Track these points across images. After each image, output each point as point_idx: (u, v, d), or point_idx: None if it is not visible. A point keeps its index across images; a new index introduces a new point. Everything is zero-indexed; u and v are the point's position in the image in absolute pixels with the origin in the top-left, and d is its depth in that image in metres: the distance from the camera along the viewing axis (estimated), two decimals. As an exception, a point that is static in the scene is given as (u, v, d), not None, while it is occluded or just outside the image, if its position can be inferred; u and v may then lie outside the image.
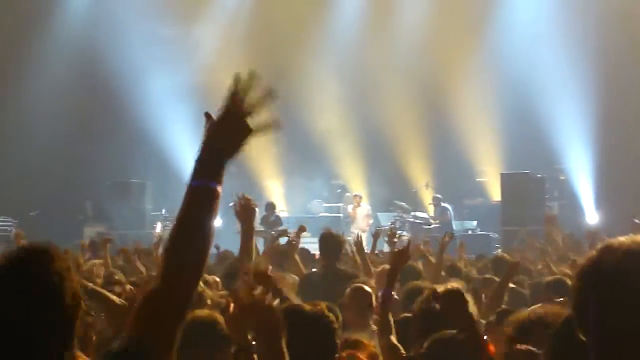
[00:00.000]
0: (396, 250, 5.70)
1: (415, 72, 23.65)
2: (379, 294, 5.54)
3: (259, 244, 16.17)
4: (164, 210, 23.44)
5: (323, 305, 3.61)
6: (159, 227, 22.87)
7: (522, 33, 23.55)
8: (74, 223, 23.70)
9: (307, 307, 3.55)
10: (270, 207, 21.71)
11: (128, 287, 6.68)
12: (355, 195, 23.20)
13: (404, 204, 22.48)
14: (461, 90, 23.62)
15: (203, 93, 24.87)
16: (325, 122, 24.41)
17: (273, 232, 19.70)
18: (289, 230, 17.89)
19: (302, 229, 10.99)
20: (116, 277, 7.89)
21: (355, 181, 25.11)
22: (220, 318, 3.89)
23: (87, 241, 16.15)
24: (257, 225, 21.34)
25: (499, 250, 17.26)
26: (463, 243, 13.21)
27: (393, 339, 5.04)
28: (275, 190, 25.33)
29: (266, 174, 25.24)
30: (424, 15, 24.20)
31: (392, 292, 5.43)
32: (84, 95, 23.82)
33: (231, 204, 7.08)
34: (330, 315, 3.53)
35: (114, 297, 5.36)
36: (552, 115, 22.65)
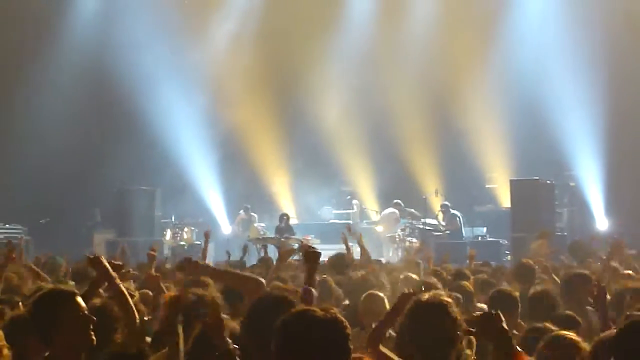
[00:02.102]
0: (406, 291, 5.61)
1: (425, 79, 23.63)
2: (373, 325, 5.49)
3: (270, 251, 16.22)
4: (173, 217, 23.45)
5: (335, 310, 3.59)
6: (168, 234, 22.88)
7: (532, 40, 23.53)
8: (84, 230, 23.74)
9: (320, 311, 3.52)
10: (284, 217, 21.81)
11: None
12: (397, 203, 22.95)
13: (413, 210, 22.44)
14: (471, 96, 23.59)
15: (213, 100, 24.96)
16: (334, 130, 24.41)
17: (283, 239, 19.76)
18: (299, 237, 18.01)
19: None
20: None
21: (365, 188, 25.09)
22: None
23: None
24: (267, 233, 21.45)
25: (509, 257, 17.23)
26: (473, 254, 13.06)
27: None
28: (285, 196, 25.34)
29: (276, 181, 25.26)
30: (433, 23, 24.17)
31: (388, 330, 5.38)
32: (93, 102, 23.88)
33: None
34: (344, 320, 3.49)
35: (131, 303, 5.35)
36: (561, 121, 22.60)
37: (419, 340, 4.38)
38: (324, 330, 3.36)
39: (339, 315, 3.46)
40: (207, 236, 13.10)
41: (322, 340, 3.33)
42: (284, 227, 21.34)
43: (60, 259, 10.99)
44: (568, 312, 6.48)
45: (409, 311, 4.58)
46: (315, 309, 3.50)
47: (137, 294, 7.36)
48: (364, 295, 6.97)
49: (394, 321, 5.36)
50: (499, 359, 3.79)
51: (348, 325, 3.44)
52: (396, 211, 22.47)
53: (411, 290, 5.42)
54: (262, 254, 15.18)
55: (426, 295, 4.65)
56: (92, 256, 5.63)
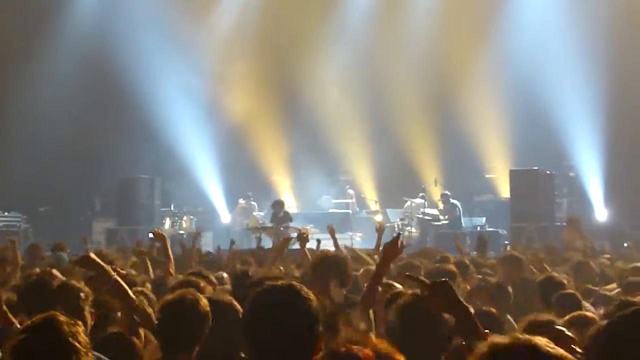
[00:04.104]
0: (387, 244, 5.60)
1: (425, 69, 23.60)
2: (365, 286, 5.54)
3: (267, 240, 16.25)
4: (172, 206, 23.47)
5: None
6: (167, 223, 22.90)
7: (532, 29, 23.48)
8: (83, 219, 23.77)
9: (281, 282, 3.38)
10: (279, 204, 21.64)
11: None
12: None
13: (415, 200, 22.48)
14: (470, 86, 23.56)
15: (213, 89, 24.96)
16: (334, 119, 24.40)
17: (282, 228, 19.76)
18: (298, 226, 18.00)
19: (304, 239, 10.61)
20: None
21: (364, 178, 25.10)
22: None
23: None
24: (266, 222, 21.44)
25: (508, 246, 17.24)
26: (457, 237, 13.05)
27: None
28: (284, 186, 25.35)
29: (275, 170, 25.26)
30: (433, 13, 24.14)
31: (378, 288, 5.39)
32: (93, 92, 23.86)
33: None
34: (311, 297, 3.27)
35: (132, 294, 5.36)
36: (561, 111, 22.59)
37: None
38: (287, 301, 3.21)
39: (303, 290, 3.29)
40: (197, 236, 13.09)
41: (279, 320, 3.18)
42: (282, 216, 21.24)
43: (65, 256, 10.93)
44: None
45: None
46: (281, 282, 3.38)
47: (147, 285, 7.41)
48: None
49: (382, 277, 5.42)
50: (460, 332, 3.62)
51: (311, 296, 3.26)
52: (425, 202, 22.47)
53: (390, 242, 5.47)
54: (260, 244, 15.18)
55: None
56: (79, 257, 5.59)
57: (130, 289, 5.64)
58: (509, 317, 6.50)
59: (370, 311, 5.18)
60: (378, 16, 24.88)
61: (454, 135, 23.34)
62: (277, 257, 9.73)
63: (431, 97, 23.45)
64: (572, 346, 3.52)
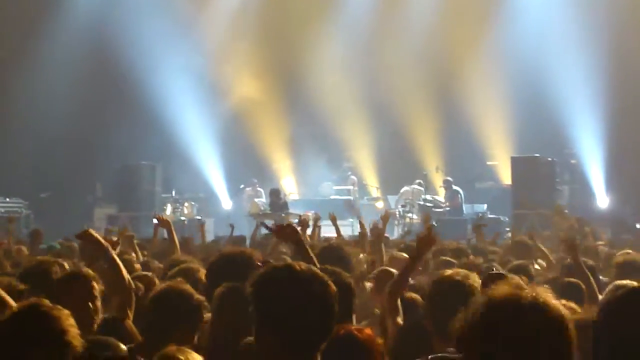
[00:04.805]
0: (422, 234, 5.47)
1: (427, 56, 23.57)
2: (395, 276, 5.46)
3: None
4: (173, 192, 23.47)
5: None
6: (169, 209, 22.90)
7: (535, 16, 23.44)
8: (85, 205, 23.78)
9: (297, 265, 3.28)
10: (274, 193, 21.57)
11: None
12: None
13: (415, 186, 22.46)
14: (472, 73, 23.52)
15: (214, 75, 24.92)
16: (336, 106, 24.37)
17: (283, 215, 19.78)
18: (299, 212, 18.02)
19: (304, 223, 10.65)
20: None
21: (366, 164, 25.10)
22: None
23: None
24: (267, 209, 21.44)
25: (509, 234, 17.25)
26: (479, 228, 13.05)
27: (399, 320, 5.04)
28: (286, 171, 25.35)
29: (277, 156, 25.25)
30: (436, 1, 24.09)
31: (408, 279, 5.34)
32: (95, 78, 23.80)
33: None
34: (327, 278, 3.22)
35: (126, 274, 5.37)
36: (562, 98, 22.56)
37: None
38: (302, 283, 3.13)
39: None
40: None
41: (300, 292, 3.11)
42: (281, 203, 21.25)
43: (56, 245, 10.93)
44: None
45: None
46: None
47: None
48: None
49: (415, 269, 5.35)
50: None
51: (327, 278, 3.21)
52: (423, 189, 22.42)
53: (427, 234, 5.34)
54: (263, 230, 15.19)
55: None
56: (81, 231, 5.59)
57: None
58: None
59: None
60: (381, 4, 24.81)
61: (456, 122, 23.33)
62: (277, 243, 9.68)
63: (433, 83, 23.42)
64: None
